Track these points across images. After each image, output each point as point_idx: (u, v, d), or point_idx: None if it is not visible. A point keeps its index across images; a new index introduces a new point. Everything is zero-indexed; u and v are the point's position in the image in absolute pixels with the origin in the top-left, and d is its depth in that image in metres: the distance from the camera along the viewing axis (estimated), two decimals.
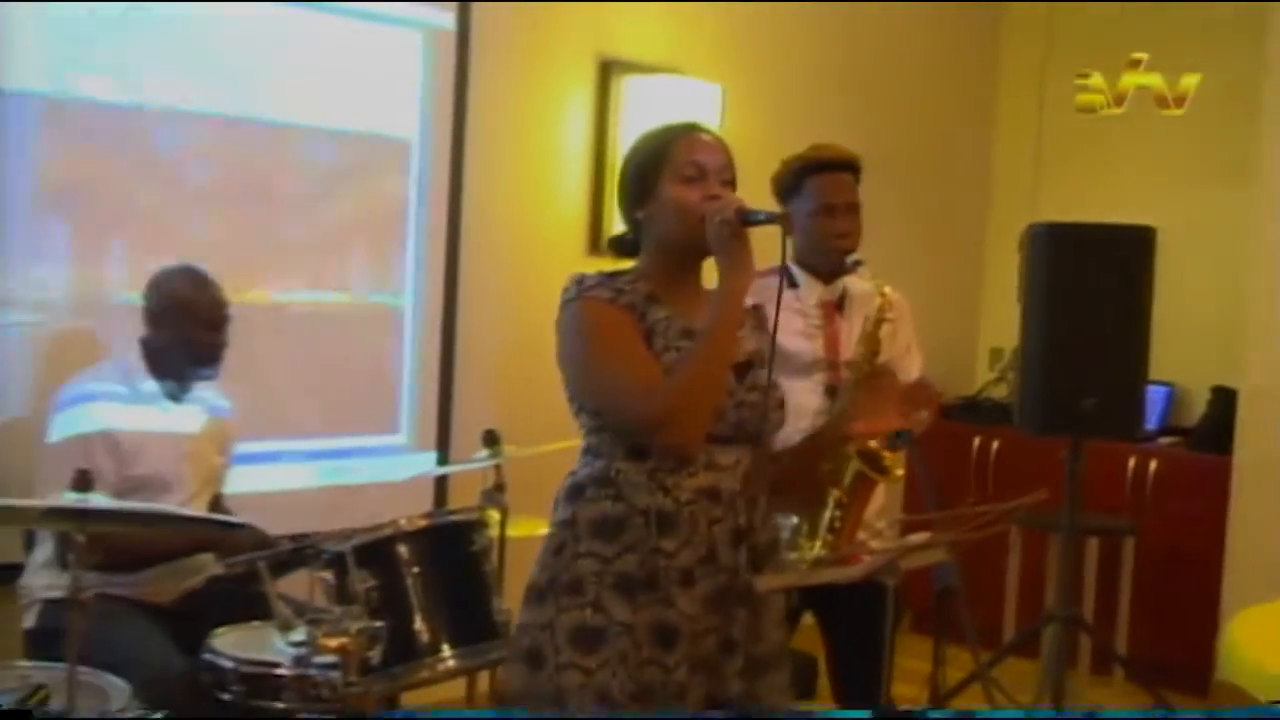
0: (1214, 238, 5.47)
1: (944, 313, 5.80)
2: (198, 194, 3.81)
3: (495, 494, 3.41)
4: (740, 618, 2.28)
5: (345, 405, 4.21)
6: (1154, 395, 5.14)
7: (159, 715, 2.58)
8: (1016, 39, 6.31)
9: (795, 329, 3.15)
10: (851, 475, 3.05)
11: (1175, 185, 5.58)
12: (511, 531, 3.38)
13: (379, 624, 2.67)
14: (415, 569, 2.84)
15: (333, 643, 2.61)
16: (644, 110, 4.59)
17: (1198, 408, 5.55)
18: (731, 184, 2.35)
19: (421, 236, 4.36)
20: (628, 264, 2.41)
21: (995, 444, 5.60)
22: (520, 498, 3.42)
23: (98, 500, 2.66)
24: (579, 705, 2.22)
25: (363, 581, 2.74)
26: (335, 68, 4.09)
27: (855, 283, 3.27)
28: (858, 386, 3.06)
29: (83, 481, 2.59)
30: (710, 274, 2.34)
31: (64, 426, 3.19)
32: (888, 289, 3.19)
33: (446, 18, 4.36)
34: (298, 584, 2.91)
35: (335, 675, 2.64)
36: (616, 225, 2.46)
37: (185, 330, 3.32)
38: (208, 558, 3.27)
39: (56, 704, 2.42)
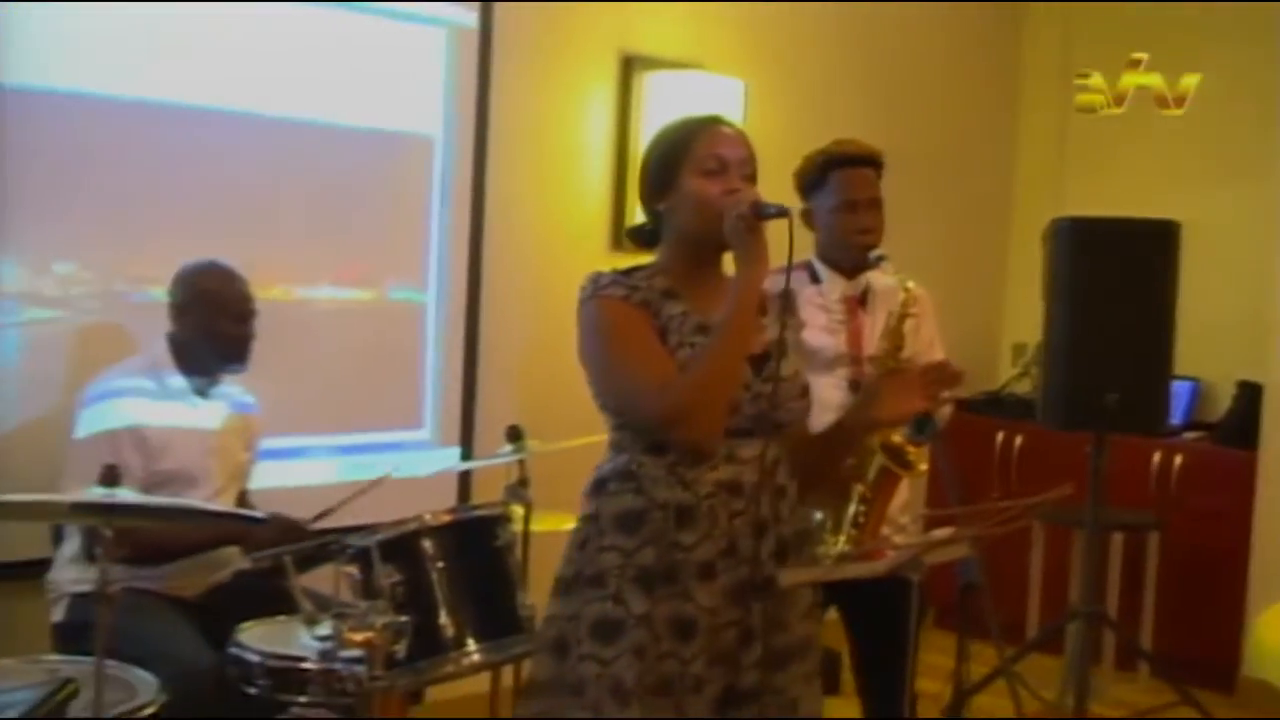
0: (1240, 232, 5.44)
1: (967, 307, 5.79)
2: (223, 191, 3.82)
3: (519, 489, 3.41)
4: (758, 609, 2.28)
5: (369, 401, 4.23)
6: (1179, 390, 5.11)
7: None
8: (1039, 34, 6.28)
9: (818, 324, 3.15)
10: (875, 470, 3.05)
11: (1201, 180, 5.55)
12: (535, 526, 3.38)
13: (404, 618, 2.68)
14: (440, 564, 2.85)
15: (358, 637, 2.62)
16: (666, 106, 4.59)
17: (1223, 403, 5.51)
18: (752, 178, 2.35)
19: (445, 233, 4.37)
20: (647, 257, 2.41)
21: (1018, 439, 5.58)
22: (544, 493, 3.43)
23: (125, 495, 2.68)
24: (595, 695, 2.24)
25: (388, 576, 2.74)
26: (359, 65, 4.10)
27: (878, 278, 3.27)
28: (880, 379, 3.07)
29: (110, 476, 2.60)
30: (730, 267, 2.34)
31: (92, 422, 3.21)
32: (911, 284, 3.18)
33: (469, 15, 4.37)
34: (323, 579, 2.93)
35: (360, 669, 2.65)
36: (639, 221, 2.47)
37: (212, 323, 3.35)
38: (234, 552, 3.29)
39: (85, 697, 2.44)
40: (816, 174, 3.28)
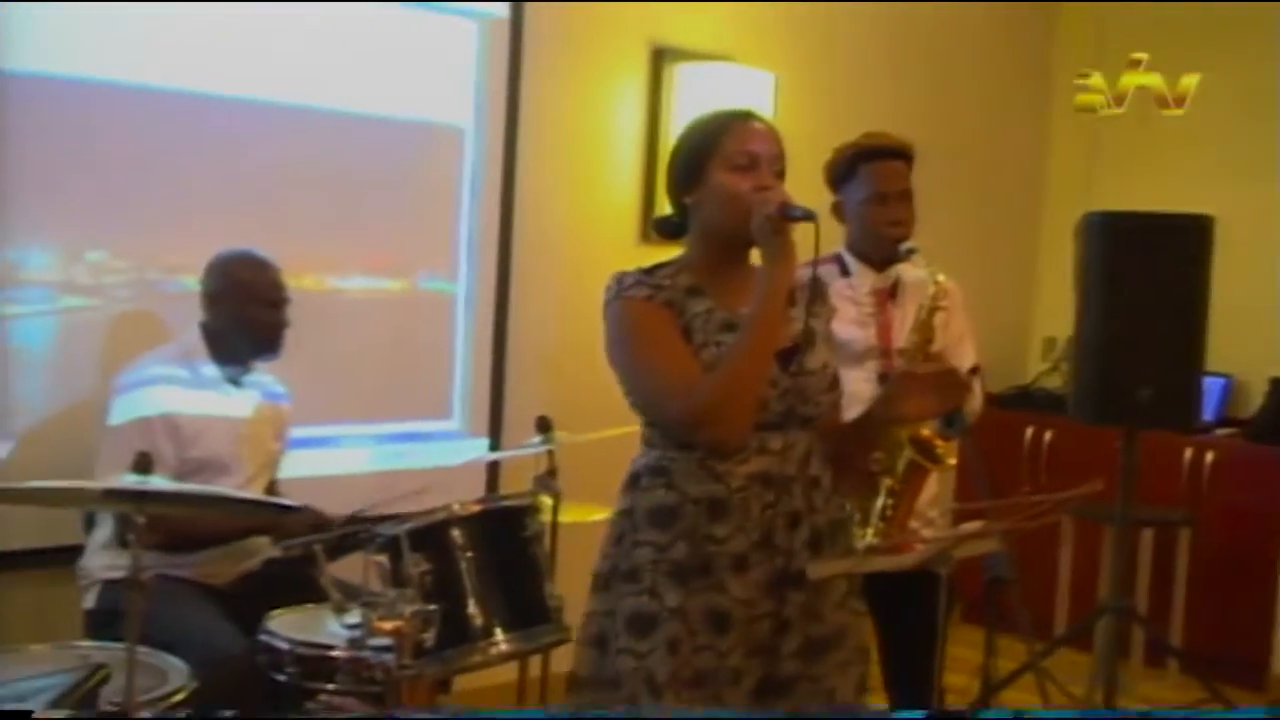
0: (1273, 229, 5.40)
1: (998, 301, 5.77)
2: (254, 181, 3.84)
3: (548, 479, 3.42)
4: (794, 599, 2.28)
5: (398, 391, 4.24)
6: (1211, 386, 5.08)
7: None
8: (1071, 30, 6.24)
9: (848, 317, 3.14)
10: (904, 463, 3.05)
11: (1234, 176, 5.51)
12: (564, 517, 3.39)
13: (432, 607, 2.69)
14: (469, 553, 2.86)
15: (387, 625, 2.63)
16: (696, 98, 4.58)
17: (1255, 400, 5.48)
18: (782, 175, 2.34)
19: (475, 223, 4.38)
20: (674, 250, 2.41)
21: (1048, 434, 5.56)
22: (572, 483, 3.44)
23: (157, 482, 2.69)
24: (631, 689, 2.25)
25: (417, 565, 2.75)
26: (391, 56, 4.12)
27: (909, 271, 3.26)
28: (900, 377, 3.06)
29: (143, 464, 2.62)
30: (758, 260, 2.33)
31: (125, 409, 3.23)
32: (941, 277, 3.17)
33: (501, 6, 4.38)
34: (353, 567, 2.94)
35: (389, 658, 2.66)
36: (667, 212, 2.47)
37: (245, 311, 3.36)
38: (264, 540, 3.31)
39: (116, 683, 2.45)
40: (847, 166, 3.27)
